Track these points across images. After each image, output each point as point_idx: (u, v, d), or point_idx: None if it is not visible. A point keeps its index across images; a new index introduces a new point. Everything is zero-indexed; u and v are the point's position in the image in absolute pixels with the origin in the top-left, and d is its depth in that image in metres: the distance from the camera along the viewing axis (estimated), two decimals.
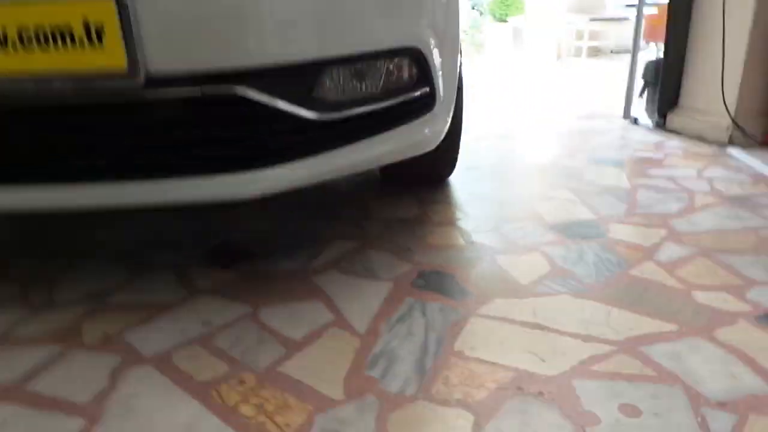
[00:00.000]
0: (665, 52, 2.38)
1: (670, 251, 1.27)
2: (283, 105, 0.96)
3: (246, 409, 0.78)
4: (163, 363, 0.90)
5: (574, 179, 1.82)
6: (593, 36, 5.62)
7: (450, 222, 1.49)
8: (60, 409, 0.80)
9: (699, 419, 0.75)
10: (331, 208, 1.60)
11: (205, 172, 0.95)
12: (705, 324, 0.98)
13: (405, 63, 1.13)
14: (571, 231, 1.40)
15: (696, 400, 0.79)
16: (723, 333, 0.95)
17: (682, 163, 1.98)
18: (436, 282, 1.16)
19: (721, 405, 0.77)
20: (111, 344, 0.95)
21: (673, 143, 2.25)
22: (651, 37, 2.54)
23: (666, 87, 2.40)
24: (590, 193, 1.68)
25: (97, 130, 0.94)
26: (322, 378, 0.85)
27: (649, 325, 0.98)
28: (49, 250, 1.33)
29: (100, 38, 0.83)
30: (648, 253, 1.27)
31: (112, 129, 0.94)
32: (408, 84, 1.14)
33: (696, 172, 1.86)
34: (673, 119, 2.41)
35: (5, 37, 0.82)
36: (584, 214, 1.52)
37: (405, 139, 1.18)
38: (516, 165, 2.02)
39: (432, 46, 1.14)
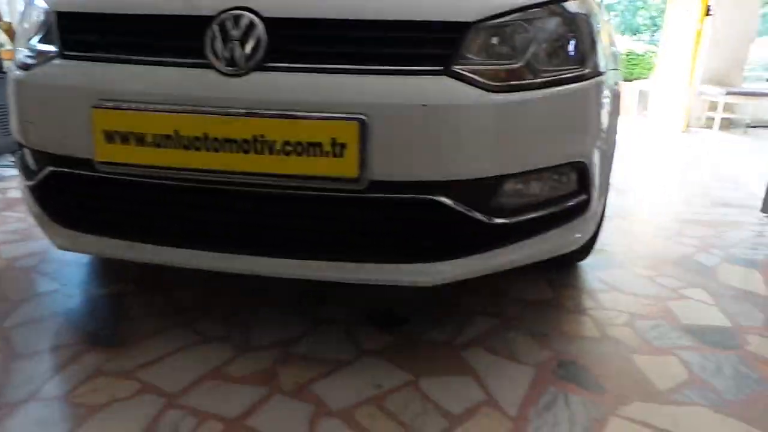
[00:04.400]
0: None
1: None
2: (467, 210, 1.15)
3: None
4: (349, 418, 1.09)
5: (708, 279, 1.84)
6: (728, 108, 5.41)
7: (583, 311, 1.59)
8: None
9: None
10: (470, 280, 1.76)
11: (398, 261, 1.16)
12: None
13: (570, 174, 1.28)
14: (707, 338, 1.45)
15: None
16: None
17: None
18: (575, 374, 1.27)
19: None
20: (303, 393, 1.17)
21: None
22: None
23: None
24: (725, 297, 1.70)
25: (312, 221, 1.18)
26: None
27: None
28: (241, 293, 1.60)
29: (341, 152, 1.07)
30: None
31: (328, 222, 1.17)
32: (569, 193, 1.30)
33: None
34: None
35: (271, 144, 1.08)
36: (720, 320, 1.55)
37: (558, 240, 1.32)
38: (646, 253, 2.07)
39: (594, 159, 1.29)
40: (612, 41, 1.55)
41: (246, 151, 1.09)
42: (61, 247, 1.31)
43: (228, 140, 1.09)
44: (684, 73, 5.50)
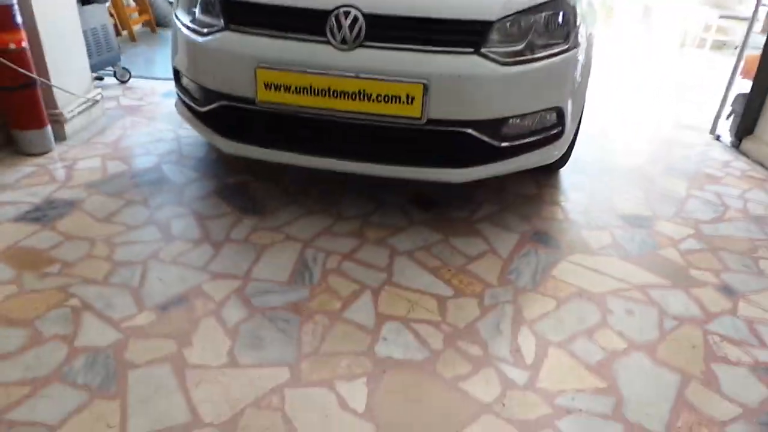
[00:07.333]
0: (752, 87, 2.99)
1: (690, 244, 2.11)
2: (485, 137, 1.90)
3: (454, 282, 1.79)
4: (411, 257, 1.92)
5: (648, 183, 2.61)
6: (721, 30, 5.87)
7: (556, 202, 2.38)
8: (373, 268, 1.85)
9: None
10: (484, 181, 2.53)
11: (441, 166, 1.93)
12: (683, 283, 1.85)
13: (551, 114, 2.01)
14: (632, 221, 2.25)
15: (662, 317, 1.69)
16: (695, 291, 1.83)
17: (735, 182, 2.70)
18: (543, 239, 2.09)
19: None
20: (382, 243, 1.99)
21: (738, 164, 2.93)
22: (746, 75, 3.11)
23: (746, 115, 3.04)
24: (656, 196, 2.48)
25: (392, 141, 1.94)
26: (488, 274, 1.84)
27: (654, 279, 1.87)
28: (325, 183, 2.38)
29: (412, 102, 1.79)
30: (674, 243, 2.11)
31: (401, 142, 1.93)
32: (550, 125, 2.03)
33: (740, 192, 2.59)
34: (746, 144, 3.06)
35: (369, 95, 1.80)
36: (645, 211, 2.35)
37: (541, 155, 2.08)
38: (608, 165, 2.82)
39: (568, 104, 2.01)
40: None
41: (354, 99, 1.81)
42: (228, 152, 2.07)
43: (344, 92, 1.81)
44: None
